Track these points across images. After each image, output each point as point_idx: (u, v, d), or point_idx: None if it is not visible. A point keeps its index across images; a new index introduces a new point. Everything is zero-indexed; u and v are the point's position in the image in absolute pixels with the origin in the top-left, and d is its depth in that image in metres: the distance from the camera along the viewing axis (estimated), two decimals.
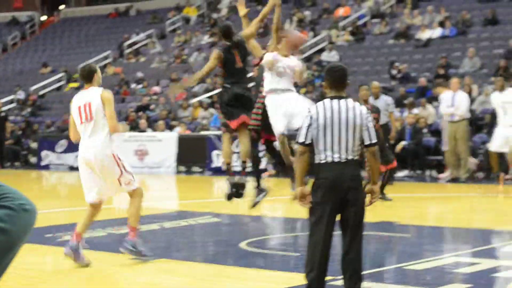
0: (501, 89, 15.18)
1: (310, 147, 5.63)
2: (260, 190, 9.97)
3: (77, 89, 31.76)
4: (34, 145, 25.84)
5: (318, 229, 5.57)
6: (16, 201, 2.64)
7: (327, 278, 5.67)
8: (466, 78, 20.15)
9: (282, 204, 13.71)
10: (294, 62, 9.42)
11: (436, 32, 25.77)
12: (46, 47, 39.73)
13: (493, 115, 16.72)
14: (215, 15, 33.93)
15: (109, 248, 9.01)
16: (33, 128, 27.80)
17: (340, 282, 5.76)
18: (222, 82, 9.75)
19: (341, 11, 30.05)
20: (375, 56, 26.38)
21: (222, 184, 10.41)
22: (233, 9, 32.13)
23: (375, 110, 13.00)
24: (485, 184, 16.46)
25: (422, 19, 26.91)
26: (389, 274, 7.58)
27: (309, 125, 5.62)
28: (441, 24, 25.94)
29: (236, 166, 13.42)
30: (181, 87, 10.78)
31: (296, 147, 5.84)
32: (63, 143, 23.94)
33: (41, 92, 33.22)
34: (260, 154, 10.37)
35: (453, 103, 16.83)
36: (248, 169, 9.92)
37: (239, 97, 9.60)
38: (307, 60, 25.98)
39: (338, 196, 5.53)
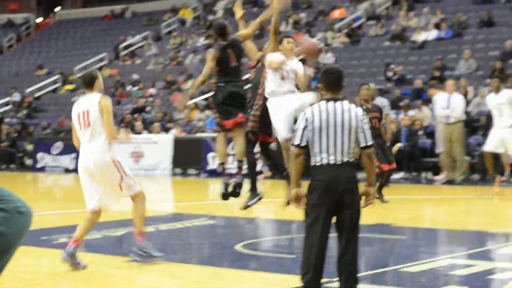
0: (497, 90, 15.18)
1: (305, 149, 5.64)
2: (254, 194, 9.96)
3: (73, 91, 31.82)
4: (29, 147, 25.82)
5: (313, 231, 5.57)
6: (11, 204, 2.64)
7: (323, 280, 5.67)
8: (462, 80, 20.18)
9: (278, 206, 13.70)
10: (297, 65, 9.42)
11: (432, 34, 25.79)
12: (42, 49, 39.69)
13: (489, 117, 16.73)
14: (210, 17, 33.93)
15: (104, 250, 9.01)
16: (29, 130, 27.77)
17: (336, 284, 5.76)
18: (216, 81, 9.67)
19: (336, 13, 30.07)
20: (370, 58, 26.40)
21: (217, 186, 10.39)
22: (228, 11, 32.14)
23: (376, 110, 12.97)
24: (481, 186, 16.47)
25: (417, 21, 26.93)
26: (385, 276, 7.58)
27: (305, 127, 5.62)
28: (437, 26, 25.96)
29: (232, 168, 13.41)
30: (188, 96, 10.80)
31: (292, 149, 5.84)
32: (58, 145, 23.92)
33: (37, 94, 33.19)
34: (256, 156, 10.33)
35: (448, 105, 16.86)
36: (244, 169, 9.89)
37: (234, 95, 9.56)
38: (302, 62, 25.94)
39: (333, 198, 5.54)
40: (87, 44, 37.92)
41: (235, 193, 9.99)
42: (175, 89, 28.14)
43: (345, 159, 5.58)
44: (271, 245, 10.00)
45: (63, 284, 7.57)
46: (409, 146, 18.21)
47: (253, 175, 10.02)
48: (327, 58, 25.87)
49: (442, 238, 10.72)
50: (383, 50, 26.57)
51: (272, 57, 9.32)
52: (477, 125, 19.07)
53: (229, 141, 13.06)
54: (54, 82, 33.86)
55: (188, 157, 21.58)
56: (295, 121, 8.88)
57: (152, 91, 28.98)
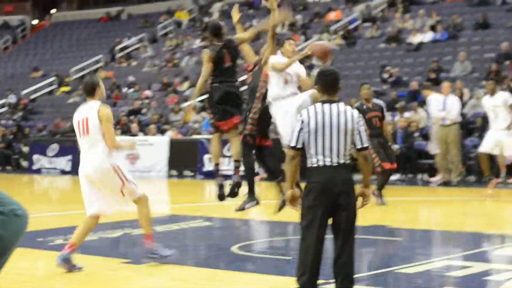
0: (492, 92, 15.20)
1: (301, 151, 5.64)
2: (251, 198, 9.94)
3: (68, 93, 31.81)
4: (25, 149, 25.81)
5: (309, 233, 5.58)
6: (7, 206, 2.64)
7: (319, 281, 5.67)
8: (457, 82, 20.20)
9: (273, 208, 13.68)
10: (300, 68, 9.40)
11: (428, 36, 25.82)
12: (38, 51, 39.66)
13: (484, 118, 16.76)
14: (206, 19, 33.93)
15: (100, 252, 9.00)
16: (25, 132, 27.76)
17: (332, 286, 5.76)
18: (211, 82, 9.64)
19: (332, 15, 30.09)
20: (366, 60, 26.42)
21: (213, 188, 10.38)
22: (224, 13, 32.16)
23: (378, 109, 12.88)
24: (477, 187, 16.49)
25: (413, 23, 26.96)
26: (381, 277, 7.58)
27: (301, 129, 5.62)
28: (432, 28, 26.00)
29: (228, 170, 13.40)
30: (192, 107, 10.78)
31: (287, 151, 5.84)
32: (54, 147, 23.90)
33: (33, 96, 33.17)
34: (253, 158, 10.29)
35: (444, 107, 16.88)
36: (241, 169, 9.84)
37: (229, 95, 9.52)
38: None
39: (329, 200, 5.54)
40: (83, 46, 37.91)
41: (233, 193, 9.95)
42: (171, 91, 28.15)
43: (341, 161, 5.59)
44: (267, 246, 10.00)
45: (59, 286, 7.57)
46: (405, 147, 18.23)
47: (250, 178, 9.99)
48: None
49: (438, 239, 10.73)
50: (378, 52, 26.60)
51: (276, 60, 9.27)
52: (472, 127, 19.09)
53: (225, 142, 13.06)
54: (50, 84, 33.85)
55: (184, 159, 21.58)
56: None
57: (148, 93, 28.98)
